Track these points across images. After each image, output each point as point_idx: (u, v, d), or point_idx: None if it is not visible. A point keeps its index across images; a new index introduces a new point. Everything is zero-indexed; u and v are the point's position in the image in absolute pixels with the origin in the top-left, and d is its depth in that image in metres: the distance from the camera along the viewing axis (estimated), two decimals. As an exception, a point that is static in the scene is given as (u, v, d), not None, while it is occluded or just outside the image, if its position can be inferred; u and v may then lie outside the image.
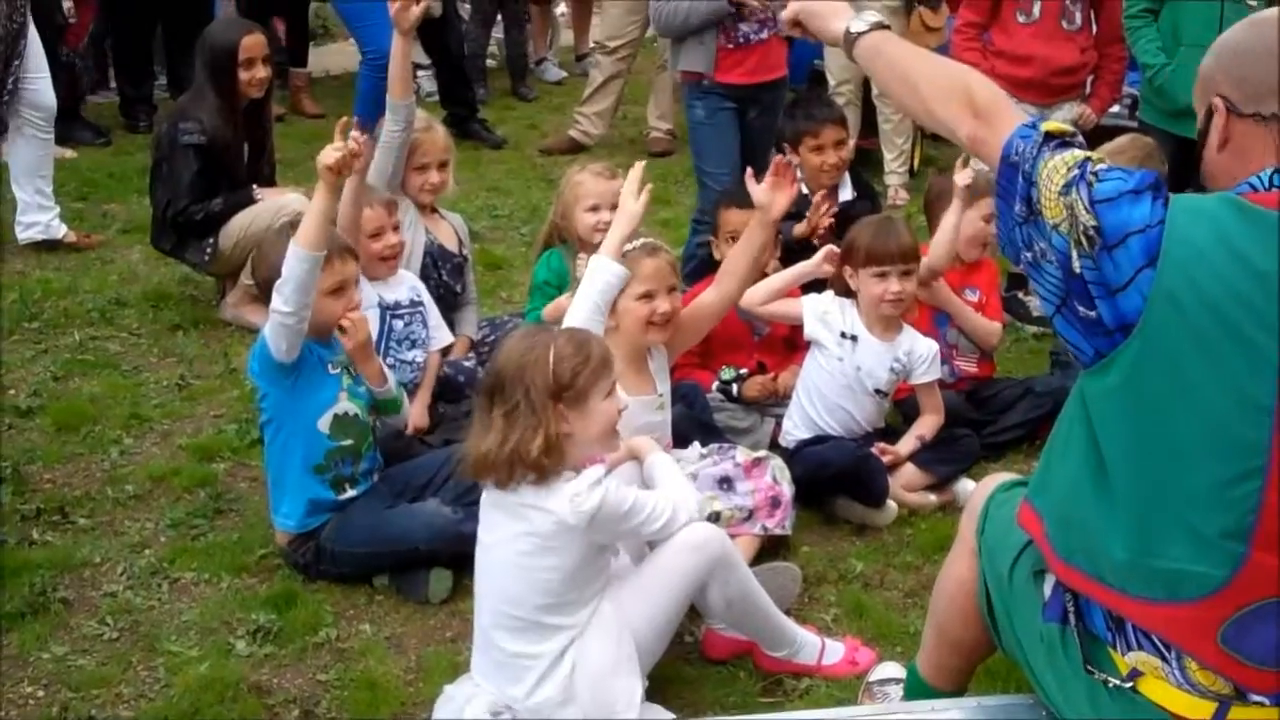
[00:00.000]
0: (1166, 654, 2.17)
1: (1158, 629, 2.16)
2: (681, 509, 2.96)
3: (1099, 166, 2.10)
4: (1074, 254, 2.08)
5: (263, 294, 3.72)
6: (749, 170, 3.78)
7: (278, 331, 3.38)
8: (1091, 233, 2.05)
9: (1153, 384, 2.05)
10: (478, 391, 2.83)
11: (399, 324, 4.15)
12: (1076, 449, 2.21)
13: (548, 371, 2.79)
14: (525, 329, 2.94)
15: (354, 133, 3.47)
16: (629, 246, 3.50)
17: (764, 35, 5.29)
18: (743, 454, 3.75)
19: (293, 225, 3.76)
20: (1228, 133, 2.19)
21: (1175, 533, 2.08)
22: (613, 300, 3.44)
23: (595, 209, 4.42)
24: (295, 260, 3.32)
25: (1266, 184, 2.11)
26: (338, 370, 3.59)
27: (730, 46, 5.26)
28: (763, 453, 3.82)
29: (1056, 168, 2.11)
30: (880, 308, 4.10)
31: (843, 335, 4.13)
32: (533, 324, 3.14)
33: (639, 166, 3.54)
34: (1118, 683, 2.21)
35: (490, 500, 2.91)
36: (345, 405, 3.56)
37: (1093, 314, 2.08)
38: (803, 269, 4.19)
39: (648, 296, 3.54)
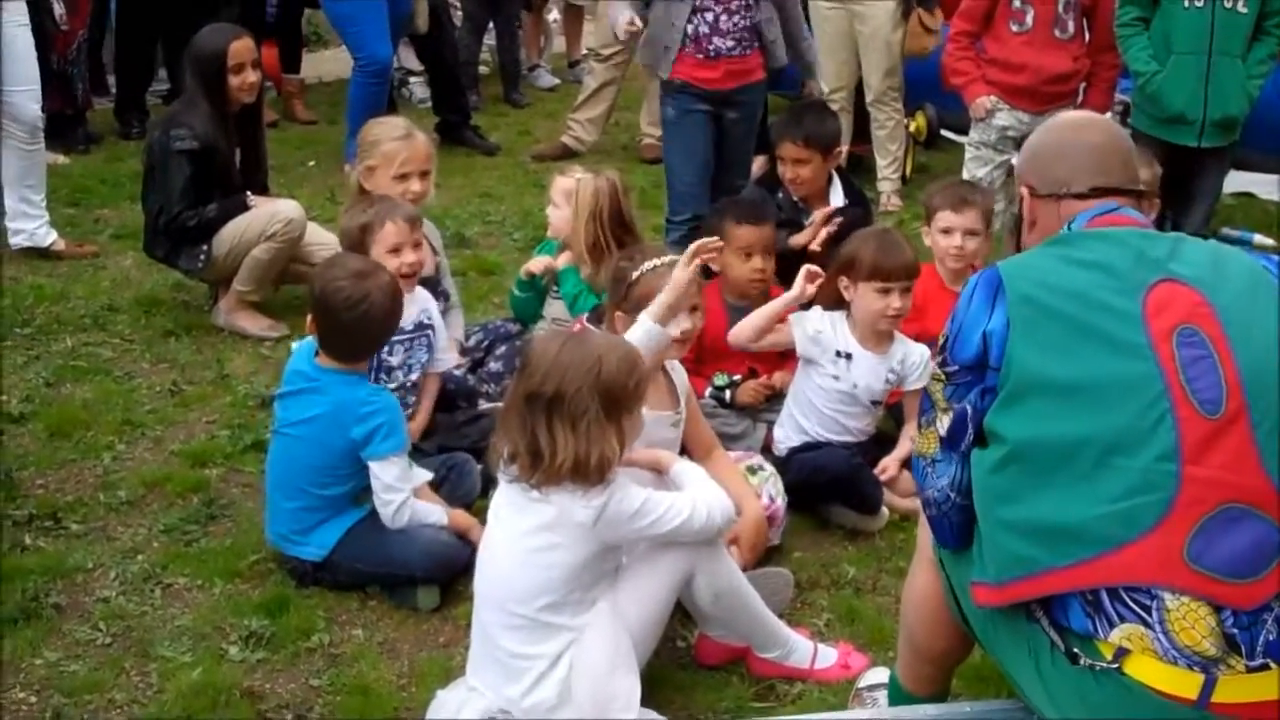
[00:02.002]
0: (1149, 618, 2.21)
1: (1128, 577, 2.22)
2: (701, 508, 2.95)
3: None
4: (939, 421, 2.50)
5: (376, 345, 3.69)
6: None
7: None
8: (941, 360, 2.50)
9: (1044, 367, 2.32)
10: (525, 396, 2.82)
11: (400, 350, 4.05)
12: (984, 480, 2.40)
13: (612, 384, 2.81)
14: (569, 335, 2.95)
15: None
16: (658, 261, 3.52)
17: (736, 52, 5.30)
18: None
19: (369, 271, 3.66)
20: (1034, 214, 2.69)
21: (1111, 478, 2.24)
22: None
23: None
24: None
25: (1067, 229, 2.58)
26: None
27: (700, 57, 5.27)
28: (756, 464, 3.82)
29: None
30: (879, 323, 4.09)
31: (837, 354, 4.12)
32: (574, 331, 3.14)
33: (700, 245, 3.51)
34: (1105, 665, 2.24)
35: (504, 497, 2.93)
36: None
37: (971, 401, 2.44)
38: (787, 300, 4.07)
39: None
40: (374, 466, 3.47)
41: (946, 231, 4.51)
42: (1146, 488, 2.22)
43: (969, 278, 2.61)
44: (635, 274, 3.56)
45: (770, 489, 3.74)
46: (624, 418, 2.86)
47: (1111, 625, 2.23)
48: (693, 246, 3.51)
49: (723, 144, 5.45)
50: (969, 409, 2.42)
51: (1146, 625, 2.21)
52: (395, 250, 4.04)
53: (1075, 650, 2.27)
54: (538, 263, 4.58)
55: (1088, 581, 2.24)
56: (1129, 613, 2.22)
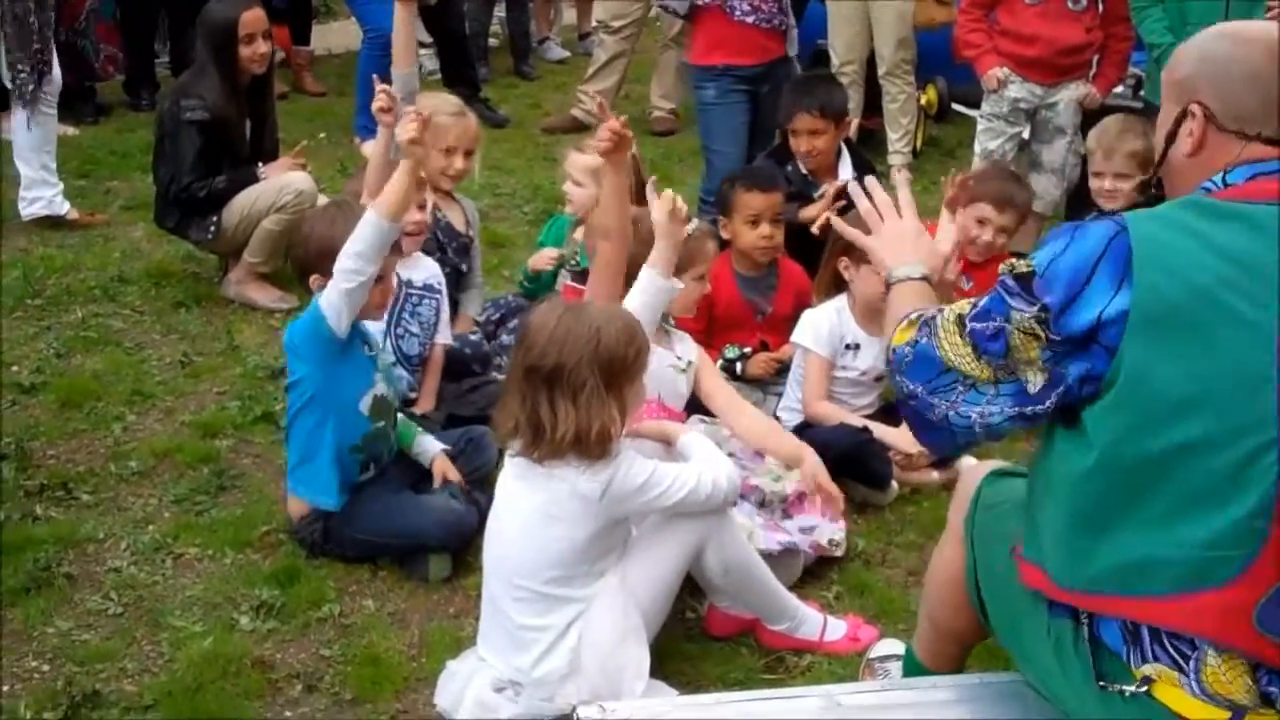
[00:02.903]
0: (1184, 665, 2.13)
1: (1185, 625, 2.11)
2: (707, 478, 2.95)
3: (1013, 272, 2.18)
4: (1028, 376, 2.17)
5: (299, 271, 3.64)
6: None
7: (342, 297, 3.35)
8: (1040, 317, 2.12)
9: (1161, 375, 2.05)
10: (524, 370, 2.83)
11: (409, 300, 4.14)
12: (1066, 482, 2.20)
13: (612, 355, 2.81)
14: (566, 307, 2.94)
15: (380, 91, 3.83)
16: (692, 226, 3.49)
17: (752, 20, 5.46)
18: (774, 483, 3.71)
19: (336, 205, 3.73)
20: (1202, 140, 2.22)
21: (1200, 521, 2.06)
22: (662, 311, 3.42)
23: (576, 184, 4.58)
24: (373, 228, 3.31)
25: (1221, 184, 2.18)
26: (374, 353, 3.61)
27: (725, 12, 5.43)
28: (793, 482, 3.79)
29: (950, 332, 2.26)
30: (881, 303, 4.06)
31: (846, 347, 4.12)
32: (570, 302, 3.14)
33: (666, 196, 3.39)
34: (1132, 689, 2.16)
35: (512, 470, 2.94)
36: (381, 387, 3.56)
37: (1066, 375, 2.14)
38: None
39: (702, 278, 3.56)
40: (322, 305, 3.39)
41: (981, 222, 4.49)
42: (1232, 542, 2.05)
43: (1078, 225, 2.20)
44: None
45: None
46: (624, 388, 2.85)
47: (1144, 660, 2.16)
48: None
49: (756, 118, 5.55)
50: (1063, 386, 2.15)
51: (1181, 671, 2.13)
52: None
53: (1102, 681, 2.20)
54: (544, 259, 4.55)
55: (1145, 617, 2.13)
56: (1164, 655, 2.14)
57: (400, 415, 3.79)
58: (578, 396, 2.78)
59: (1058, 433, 2.22)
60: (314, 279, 3.48)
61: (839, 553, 3.61)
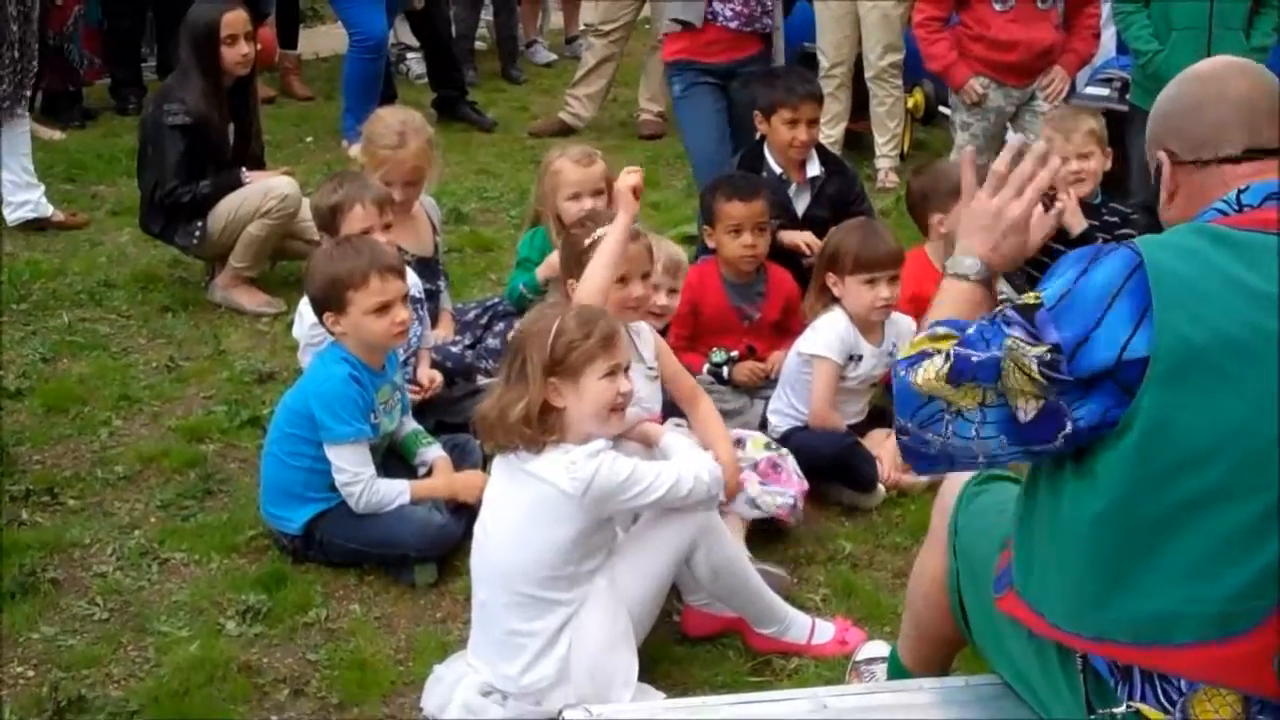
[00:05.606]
0: (1170, 708, 2.10)
1: (1201, 674, 2.07)
2: (688, 474, 2.95)
3: (1020, 305, 2.12)
4: (1018, 404, 2.10)
5: (316, 309, 3.59)
6: None
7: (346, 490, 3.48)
8: (1049, 359, 2.05)
9: (1182, 426, 2.00)
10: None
11: None
12: (1077, 526, 2.13)
13: (545, 344, 2.86)
14: (549, 302, 3.02)
15: None
16: (609, 227, 3.49)
17: (735, 26, 5.55)
18: (754, 449, 3.73)
19: (348, 240, 3.72)
20: (1175, 183, 2.26)
21: (1222, 577, 2.02)
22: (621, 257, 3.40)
23: (577, 197, 4.40)
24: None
25: (1236, 204, 2.15)
26: (378, 420, 3.58)
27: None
28: (771, 451, 3.79)
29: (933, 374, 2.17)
30: (872, 314, 4.08)
31: (850, 358, 4.12)
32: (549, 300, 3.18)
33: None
34: (1121, 711, 2.14)
35: (497, 468, 2.97)
36: (373, 440, 3.56)
37: (1077, 418, 2.06)
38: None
39: (622, 280, 3.52)
40: (328, 451, 3.46)
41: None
42: (1254, 594, 2.02)
43: (1089, 255, 2.12)
44: (588, 241, 3.52)
45: (794, 468, 3.74)
46: (578, 378, 2.87)
47: (1130, 696, 2.13)
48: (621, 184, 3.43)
49: (730, 112, 5.57)
50: (1070, 427, 2.07)
51: (1166, 713, 2.10)
52: (364, 232, 4.01)
53: (1092, 696, 2.18)
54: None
55: (1157, 666, 2.09)
56: (1151, 697, 2.11)
57: (413, 426, 3.80)
58: (530, 376, 2.85)
59: (1068, 471, 2.15)
60: (327, 317, 3.51)
61: (794, 522, 3.67)
